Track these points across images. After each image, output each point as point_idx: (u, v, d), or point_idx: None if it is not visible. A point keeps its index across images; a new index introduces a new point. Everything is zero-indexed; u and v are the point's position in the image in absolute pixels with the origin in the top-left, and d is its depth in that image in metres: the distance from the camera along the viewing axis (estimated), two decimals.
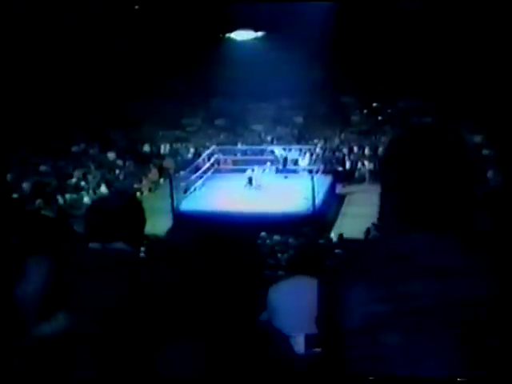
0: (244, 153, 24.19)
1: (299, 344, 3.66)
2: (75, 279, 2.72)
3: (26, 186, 22.81)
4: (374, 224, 18.69)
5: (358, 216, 19.40)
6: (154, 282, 2.66)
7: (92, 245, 2.81)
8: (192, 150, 25.56)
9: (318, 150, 23.57)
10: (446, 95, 23.14)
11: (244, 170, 22.10)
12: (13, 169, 23.70)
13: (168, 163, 24.90)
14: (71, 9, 21.77)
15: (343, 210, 20.71)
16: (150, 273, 2.76)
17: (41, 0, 21.61)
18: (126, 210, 2.86)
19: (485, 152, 21.01)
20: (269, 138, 25.28)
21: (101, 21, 22.56)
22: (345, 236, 17.33)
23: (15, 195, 22.21)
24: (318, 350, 2.27)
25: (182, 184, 21.22)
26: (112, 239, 2.78)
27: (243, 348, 2.01)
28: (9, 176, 23.24)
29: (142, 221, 2.91)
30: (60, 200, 22.28)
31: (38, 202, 21.58)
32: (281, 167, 23.03)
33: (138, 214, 2.90)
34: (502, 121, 20.24)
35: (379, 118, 26.11)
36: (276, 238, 17.20)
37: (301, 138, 25.26)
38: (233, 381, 1.96)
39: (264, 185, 21.12)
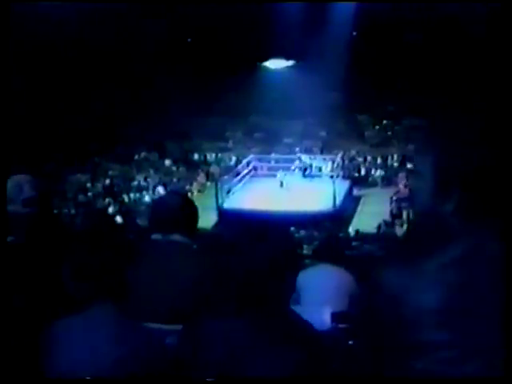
0: (277, 161, 24.13)
1: (326, 320, 3.56)
2: (140, 265, 2.72)
3: (99, 186, 23.16)
4: (384, 221, 18.56)
5: (371, 214, 19.30)
6: (203, 267, 2.67)
7: (154, 236, 2.83)
8: (234, 158, 25.56)
9: (338, 159, 23.42)
10: (442, 116, 22.83)
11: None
12: (88, 172, 24.04)
13: (214, 169, 24.97)
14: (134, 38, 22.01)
15: (359, 208, 20.53)
16: (200, 259, 2.77)
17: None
18: (183, 208, 2.87)
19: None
20: (297, 149, 25.17)
21: (161, 54, 22.75)
22: (360, 231, 17.16)
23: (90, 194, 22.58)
24: (343, 325, 2.20)
25: (225, 186, 21.18)
26: (171, 231, 2.80)
27: (275, 326, 1.98)
28: (84, 178, 23.59)
29: (196, 216, 2.90)
30: (125, 198, 22.49)
31: (108, 199, 21.85)
32: (307, 172, 22.91)
33: (192, 211, 2.90)
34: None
35: (388, 133, 25.95)
36: (303, 232, 17.09)
37: (324, 149, 25.16)
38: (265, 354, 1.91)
39: (293, 187, 21.04)
